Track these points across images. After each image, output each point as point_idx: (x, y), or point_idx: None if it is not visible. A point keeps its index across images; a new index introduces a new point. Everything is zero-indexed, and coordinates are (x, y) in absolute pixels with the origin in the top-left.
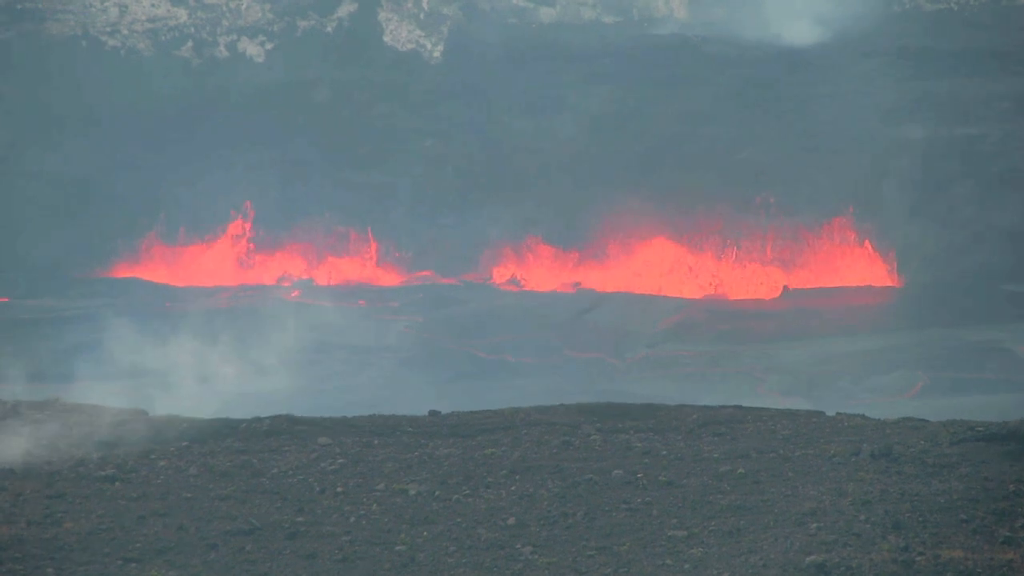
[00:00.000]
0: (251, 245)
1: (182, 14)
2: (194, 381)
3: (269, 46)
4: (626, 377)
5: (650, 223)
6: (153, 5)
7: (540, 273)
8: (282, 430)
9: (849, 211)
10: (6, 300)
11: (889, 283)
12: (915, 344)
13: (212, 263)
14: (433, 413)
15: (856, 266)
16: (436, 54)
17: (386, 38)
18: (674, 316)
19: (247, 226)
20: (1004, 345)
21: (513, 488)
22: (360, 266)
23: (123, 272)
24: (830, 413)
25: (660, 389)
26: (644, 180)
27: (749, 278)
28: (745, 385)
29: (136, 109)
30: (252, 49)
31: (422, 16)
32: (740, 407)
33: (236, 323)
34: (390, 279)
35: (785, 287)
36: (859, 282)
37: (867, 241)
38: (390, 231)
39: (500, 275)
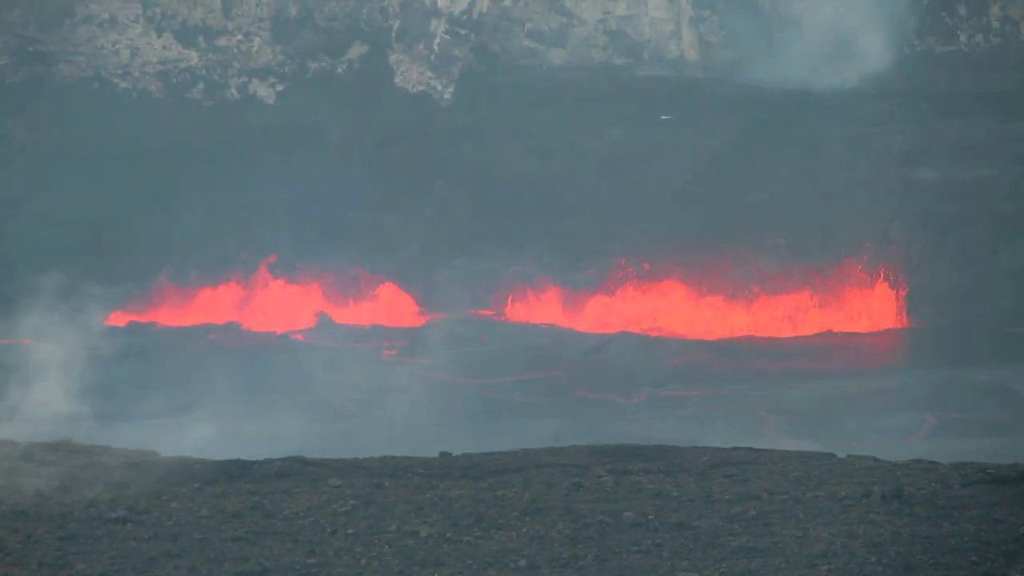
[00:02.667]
0: (262, 286)
1: (193, 56)
2: (205, 422)
3: (280, 88)
4: (635, 418)
5: (660, 264)
6: (165, 48)
7: (551, 314)
8: (293, 471)
9: (861, 253)
10: (28, 342)
11: (900, 325)
12: (923, 385)
13: (223, 304)
14: (444, 455)
15: (868, 308)
16: (447, 96)
17: (397, 80)
18: (683, 356)
19: (258, 267)
20: (1012, 386)
21: (524, 530)
22: (371, 307)
23: (135, 313)
24: (840, 455)
25: (667, 430)
26: (655, 221)
27: (759, 319)
28: (751, 425)
29: (147, 150)
30: (263, 91)
31: (433, 58)
32: (752, 449)
33: (247, 364)
34: (401, 320)
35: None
36: (871, 324)
37: (879, 283)
38: (401, 272)
39: (510, 316)
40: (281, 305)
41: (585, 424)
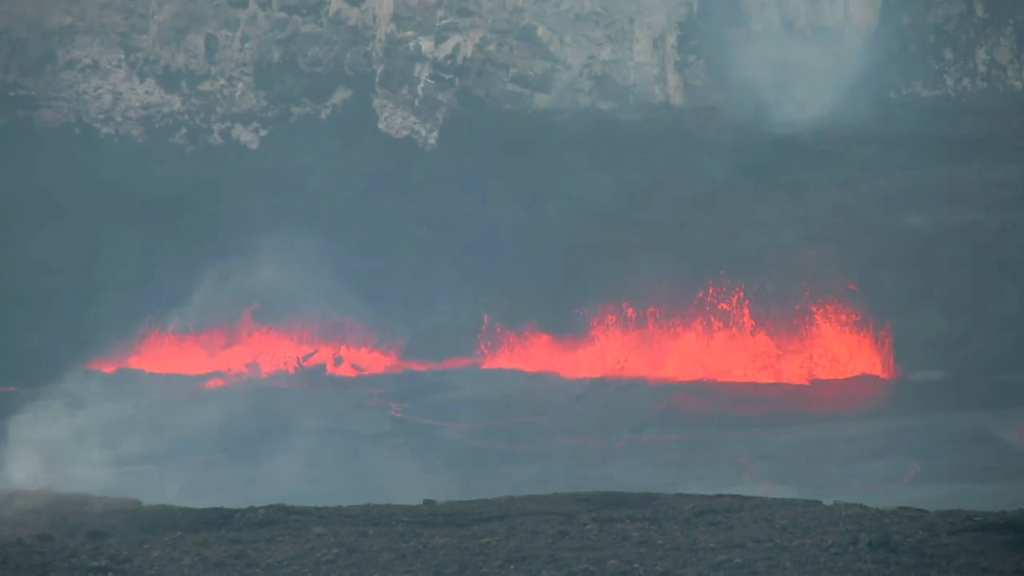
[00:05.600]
0: (245, 332)
1: (176, 101)
2: (188, 469)
3: (263, 133)
4: (614, 464)
5: (644, 309)
6: (147, 92)
7: (535, 359)
8: (276, 519)
9: (846, 298)
10: (13, 388)
11: (885, 371)
12: (907, 431)
13: (205, 351)
14: (428, 502)
15: (852, 354)
16: (431, 140)
17: (380, 125)
18: (664, 401)
19: (240, 314)
20: (994, 433)
21: None
22: (354, 352)
23: (117, 359)
24: (826, 501)
25: (648, 476)
26: (639, 266)
27: (744, 364)
28: (732, 471)
29: (130, 196)
30: (246, 136)
31: (416, 103)
32: (737, 496)
33: (229, 410)
34: (384, 365)
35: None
36: (855, 370)
37: (864, 329)
38: (385, 317)
39: (494, 361)
40: (264, 352)
41: (566, 470)
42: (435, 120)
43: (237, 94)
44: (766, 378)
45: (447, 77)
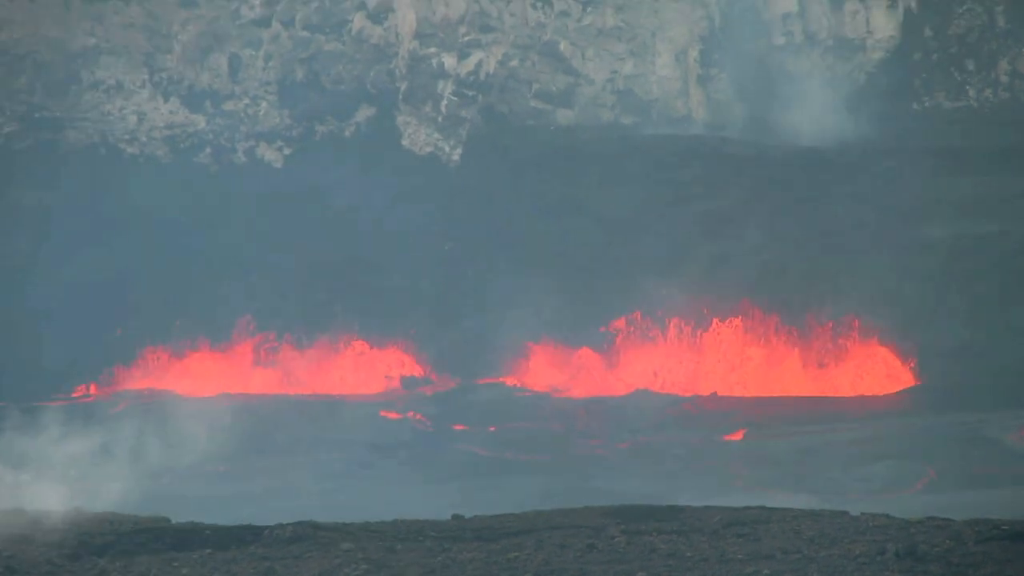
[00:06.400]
0: (269, 351)
1: (200, 121)
2: (215, 487)
3: (287, 151)
4: (620, 469)
5: (667, 320)
6: (171, 112)
7: (556, 371)
8: (305, 536)
9: (869, 309)
10: (41, 404)
11: (909, 382)
12: (921, 436)
13: (229, 369)
14: (456, 517)
15: (876, 365)
16: (454, 157)
17: (404, 142)
18: (685, 410)
19: (264, 330)
20: (1008, 440)
21: None
22: (381, 368)
23: (141, 376)
24: (853, 512)
25: (650, 482)
26: (663, 280)
27: (765, 376)
28: (747, 480)
29: (154, 215)
30: (270, 154)
31: (440, 119)
32: (764, 507)
33: (253, 428)
34: (411, 381)
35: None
36: (879, 379)
37: (888, 341)
38: (410, 333)
39: (519, 376)
40: (288, 368)
41: (584, 479)
42: (459, 136)
43: (261, 113)
44: (789, 390)
45: (470, 93)
